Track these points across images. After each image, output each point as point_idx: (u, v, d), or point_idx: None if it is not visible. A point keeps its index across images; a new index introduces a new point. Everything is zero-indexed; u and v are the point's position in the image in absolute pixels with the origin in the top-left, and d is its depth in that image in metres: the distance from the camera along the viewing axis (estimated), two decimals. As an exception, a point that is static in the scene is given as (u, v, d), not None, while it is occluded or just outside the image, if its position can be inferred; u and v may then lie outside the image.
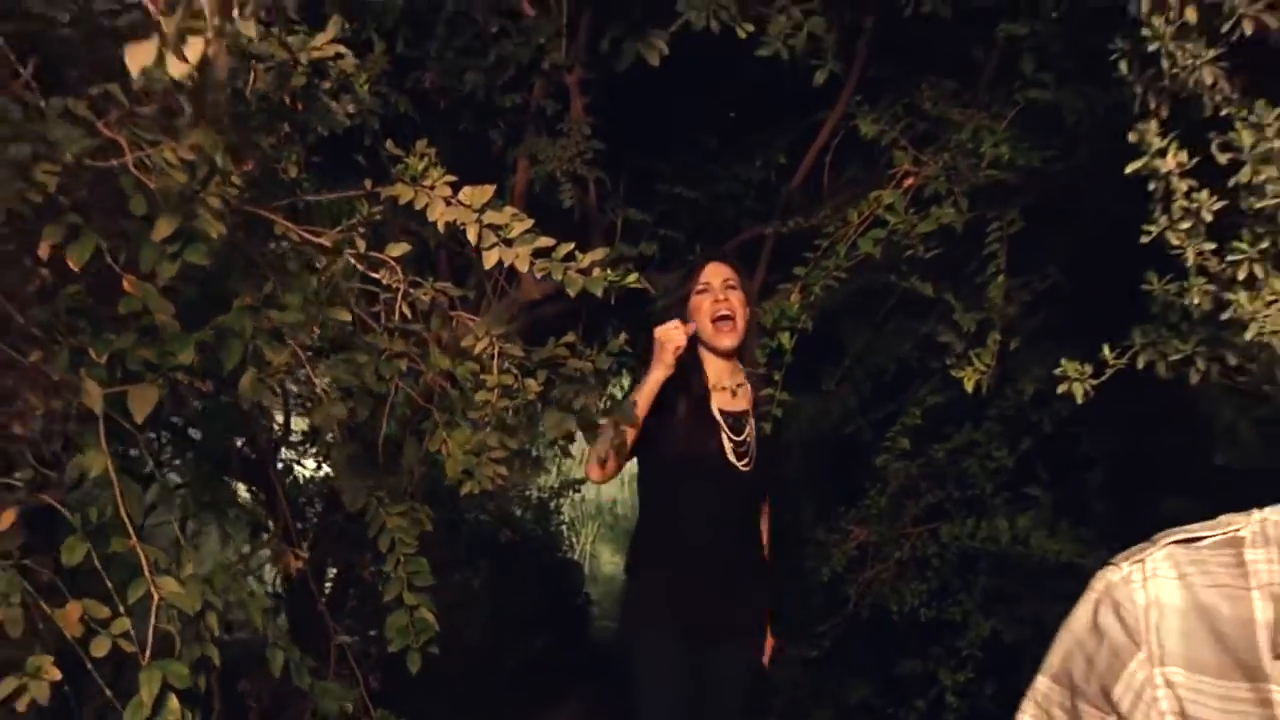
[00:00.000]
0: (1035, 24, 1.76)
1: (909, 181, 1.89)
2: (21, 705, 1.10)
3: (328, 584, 2.95)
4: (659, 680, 2.26)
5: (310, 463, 3.19)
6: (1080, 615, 0.75)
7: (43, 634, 1.26)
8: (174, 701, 1.25)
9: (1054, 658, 0.76)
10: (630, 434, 2.19)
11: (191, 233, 1.22)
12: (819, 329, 2.38)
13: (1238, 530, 0.73)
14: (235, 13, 0.80)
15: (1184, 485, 1.62)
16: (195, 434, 1.93)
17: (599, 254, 1.55)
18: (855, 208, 1.91)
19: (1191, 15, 1.05)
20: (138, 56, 0.76)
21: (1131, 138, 1.02)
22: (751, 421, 2.31)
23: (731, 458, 2.25)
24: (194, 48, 0.75)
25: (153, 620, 1.26)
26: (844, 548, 2.56)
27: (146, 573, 1.27)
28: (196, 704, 1.32)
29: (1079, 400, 1.15)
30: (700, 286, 2.28)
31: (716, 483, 2.26)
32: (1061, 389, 1.16)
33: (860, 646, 2.77)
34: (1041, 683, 0.76)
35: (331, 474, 3.27)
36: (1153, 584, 0.72)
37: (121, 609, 1.28)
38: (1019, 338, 1.72)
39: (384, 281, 1.61)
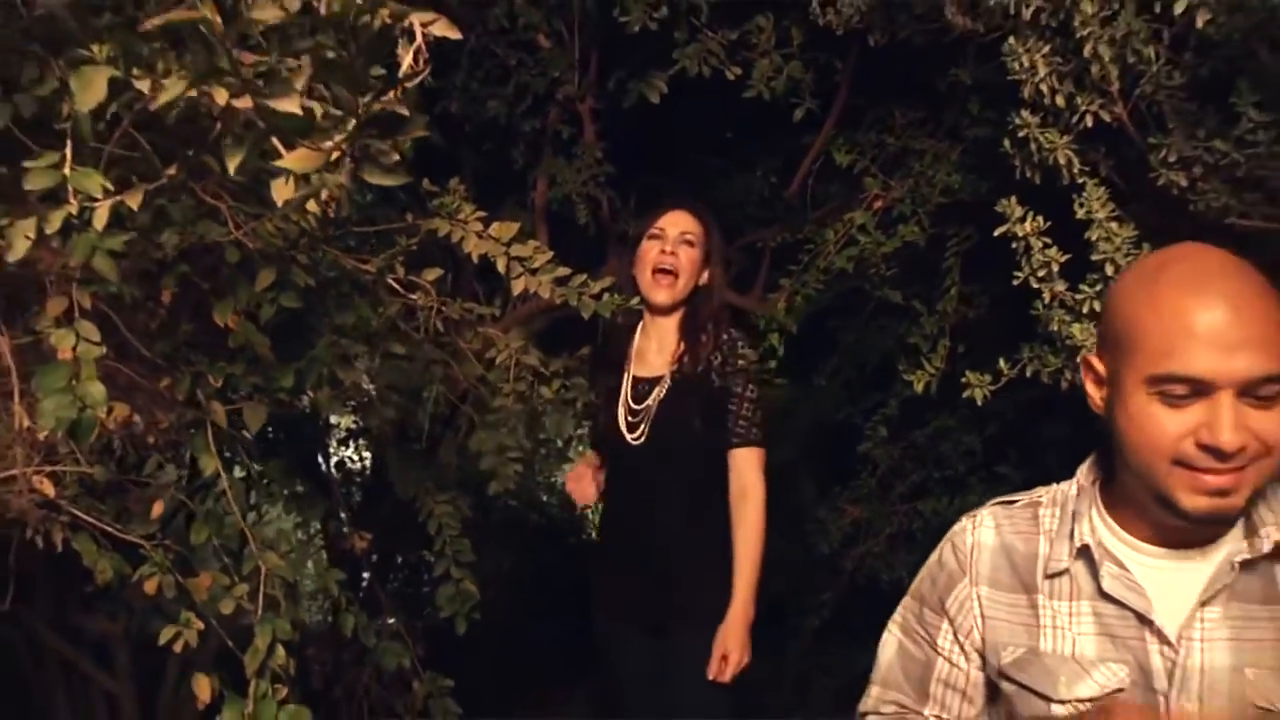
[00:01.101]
0: (981, 69, 2.13)
1: (878, 204, 2.26)
2: (178, 647, 1.52)
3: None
4: (605, 668, 2.27)
5: (354, 456, 3.63)
6: (935, 553, 1.15)
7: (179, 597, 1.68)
8: (281, 650, 1.66)
9: (915, 583, 1.16)
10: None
11: (286, 282, 1.63)
12: (814, 326, 2.76)
13: (1039, 496, 1.12)
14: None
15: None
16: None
17: (607, 281, 1.94)
18: (831, 227, 2.30)
19: (1061, 101, 1.43)
20: (280, 192, 1.15)
21: (998, 208, 1.39)
22: (665, 389, 2.17)
23: (623, 429, 2.18)
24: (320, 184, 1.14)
25: (262, 587, 1.68)
26: (839, 524, 2.95)
27: (255, 549, 1.69)
28: (293, 653, 1.74)
29: (979, 402, 1.53)
30: (653, 231, 2.20)
31: (619, 458, 2.22)
32: (965, 394, 1.54)
33: (857, 616, 3.17)
34: (905, 600, 1.17)
35: (368, 467, 3.72)
36: (978, 531, 1.11)
37: (236, 578, 1.70)
38: (966, 342, 2.09)
39: (420, 302, 2.01)
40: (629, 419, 2.19)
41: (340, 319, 1.73)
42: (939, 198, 2.13)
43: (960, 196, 2.11)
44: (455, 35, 1.20)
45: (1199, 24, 1.15)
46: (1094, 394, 1.04)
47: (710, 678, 2.04)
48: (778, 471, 2.89)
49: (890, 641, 1.17)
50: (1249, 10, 1.04)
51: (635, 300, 2.01)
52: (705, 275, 2.21)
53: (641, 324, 2.26)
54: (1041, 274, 1.35)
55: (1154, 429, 0.94)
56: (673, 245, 2.16)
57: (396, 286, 1.96)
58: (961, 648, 1.10)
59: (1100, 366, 1.03)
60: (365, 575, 3.17)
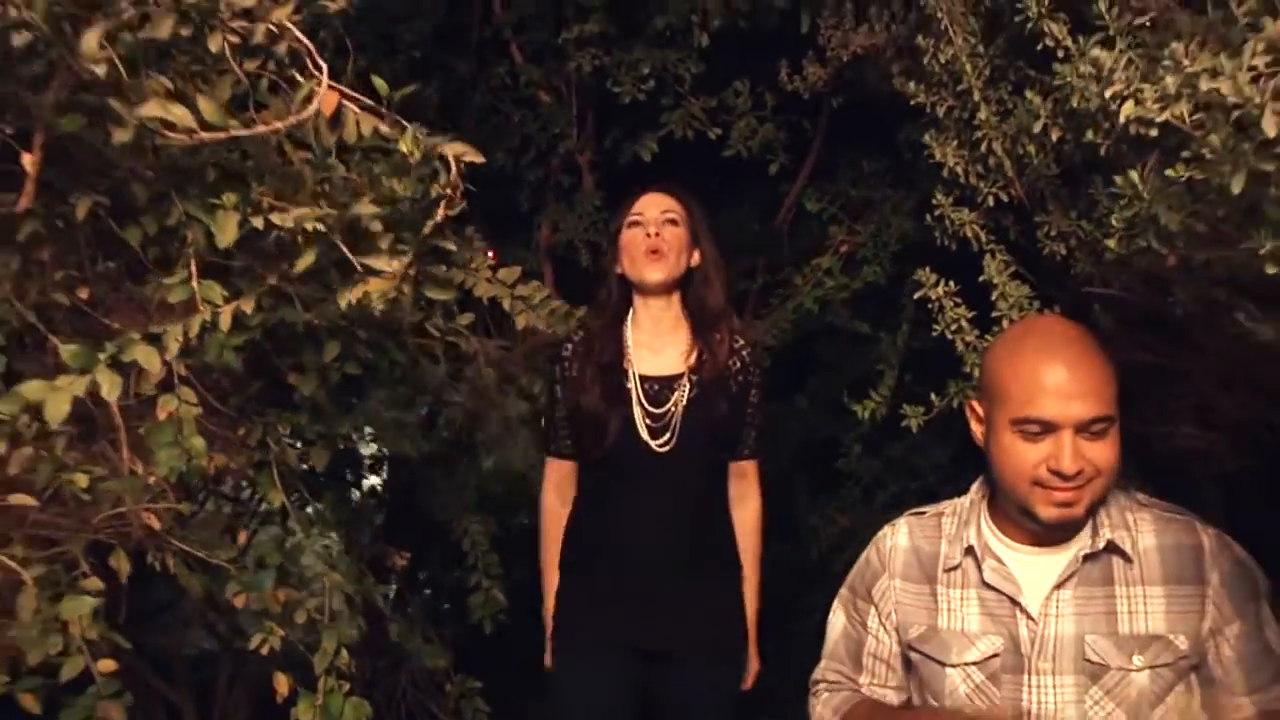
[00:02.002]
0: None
1: (844, 249, 2.64)
2: (265, 650, 1.90)
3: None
4: (576, 708, 2.14)
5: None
6: (864, 553, 1.52)
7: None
8: (345, 654, 2.04)
9: (850, 576, 1.54)
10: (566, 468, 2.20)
11: (349, 354, 2.01)
12: (798, 348, 3.13)
13: (943, 508, 1.49)
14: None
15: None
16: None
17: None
18: (801, 272, 2.68)
19: (971, 181, 1.80)
20: (346, 297, 1.52)
21: (916, 277, 1.77)
22: (688, 387, 2.11)
23: (645, 436, 2.08)
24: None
25: (328, 600, 2.06)
26: (829, 531, 3.32)
27: (321, 568, 2.07)
28: (354, 656, 2.12)
29: (914, 429, 1.91)
30: (633, 218, 2.15)
31: (632, 468, 2.10)
32: (903, 423, 1.92)
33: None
34: (843, 590, 1.55)
35: (382, 489, 4.12)
36: (895, 536, 1.49)
37: (305, 592, 2.08)
38: (918, 372, 2.46)
39: (464, 347, 2.39)
40: (650, 423, 2.08)
41: (394, 373, 2.11)
42: (895, 244, 2.51)
43: (915, 241, 2.48)
44: (479, 159, 1.59)
45: (1053, 138, 1.53)
46: (976, 429, 1.42)
47: (746, 688, 2.16)
48: (771, 482, 3.24)
49: (835, 623, 1.56)
50: (1094, 124, 1.41)
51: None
52: (695, 255, 2.17)
53: (631, 314, 2.19)
54: (954, 328, 1.73)
55: (1017, 459, 1.32)
56: (656, 227, 2.11)
57: (435, 332, 2.35)
58: (884, 627, 1.48)
59: (979, 409, 1.41)
60: (391, 590, 3.56)
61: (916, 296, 1.78)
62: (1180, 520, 1.38)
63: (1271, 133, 0.84)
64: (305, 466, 2.05)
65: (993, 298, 1.72)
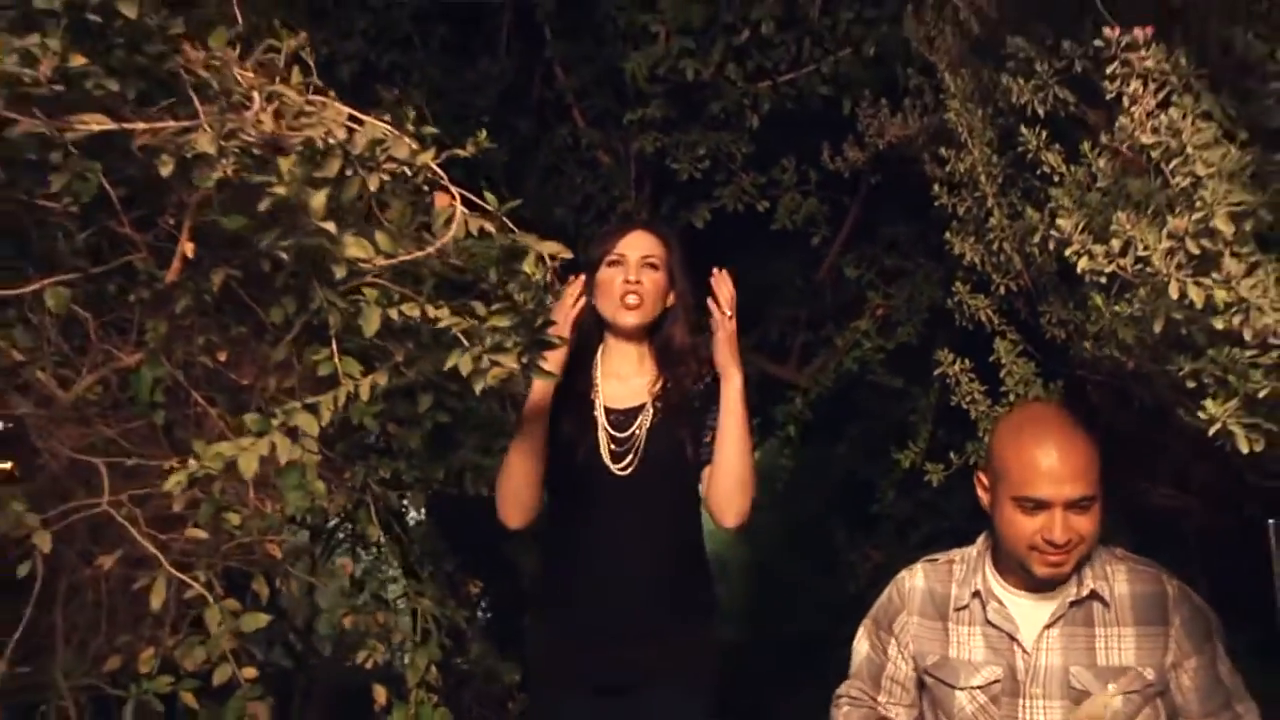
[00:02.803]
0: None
1: (879, 312, 2.98)
2: (369, 664, 2.27)
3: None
4: None
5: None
6: (886, 592, 1.85)
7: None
8: (434, 669, 2.40)
9: (873, 610, 1.87)
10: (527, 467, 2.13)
11: (440, 404, 2.38)
12: (840, 398, 3.46)
13: (953, 556, 1.82)
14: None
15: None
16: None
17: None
18: (840, 335, 3.03)
19: (990, 270, 2.14)
20: (463, 367, 1.90)
21: (936, 357, 2.11)
22: (650, 417, 2.17)
23: (607, 460, 2.14)
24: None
25: (419, 622, 2.43)
26: (865, 567, 3.64)
27: (413, 594, 2.44)
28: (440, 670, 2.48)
29: (934, 484, 2.24)
30: (613, 257, 2.20)
31: (596, 494, 2.16)
32: (926, 478, 2.25)
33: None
34: (867, 621, 1.89)
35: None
36: (913, 579, 1.83)
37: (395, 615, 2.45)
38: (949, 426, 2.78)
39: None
40: (613, 448, 2.15)
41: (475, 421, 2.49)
42: (925, 310, 2.84)
43: (944, 306, 2.81)
44: (568, 255, 1.95)
45: (1050, 246, 1.86)
46: (982, 496, 1.76)
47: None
48: (814, 521, 3.55)
49: (860, 649, 1.89)
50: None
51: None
52: (671, 296, 2.23)
53: (602, 348, 2.26)
54: (969, 399, 2.06)
55: (1016, 527, 1.65)
56: (635, 272, 2.16)
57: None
58: (902, 655, 1.82)
59: (985, 480, 1.74)
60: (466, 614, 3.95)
61: (937, 373, 2.12)
62: (1149, 572, 1.70)
63: (1175, 296, 1.18)
64: (403, 506, 2.43)
65: (1001, 375, 2.06)
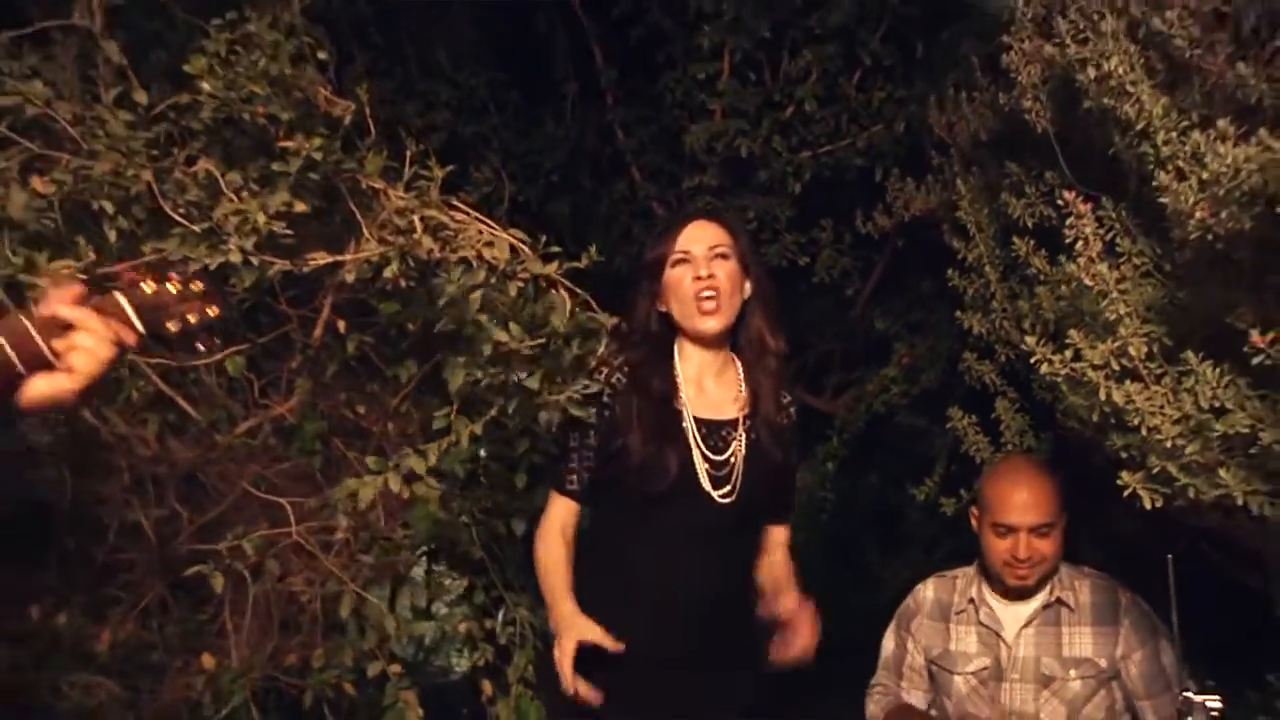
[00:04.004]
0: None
1: (904, 360, 3.61)
2: (481, 663, 2.91)
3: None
4: None
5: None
6: (905, 601, 2.49)
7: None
8: (530, 667, 3.04)
9: (896, 614, 2.50)
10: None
11: (537, 448, 3.02)
12: (871, 432, 4.09)
13: (957, 573, 2.46)
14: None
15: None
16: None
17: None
18: (870, 381, 3.66)
19: (994, 342, 2.77)
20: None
21: (948, 412, 2.74)
22: (744, 435, 2.09)
23: (705, 484, 2.04)
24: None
25: (518, 628, 3.07)
26: (894, 582, 4.26)
27: (510, 605, 3.09)
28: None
29: (948, 514, 2.87)
30: (678, 255, 2.09)
31: (682, 518, 2.04)
32: (941, 509, 2.88)
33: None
34: (892, 623, 2.51)
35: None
36: (925, 590, 2.46)
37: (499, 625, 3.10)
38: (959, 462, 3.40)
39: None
40: (711, 471, 2.06)
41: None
42: (944, 360, 3.46)
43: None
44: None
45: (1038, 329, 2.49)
46: (974, 525, 2.38)
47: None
48: (849, 541, 4.14)
49: (887, 645, 2.51)
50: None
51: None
52: (747, 287, 2.16)
53: (679, 353, 2.17)
54: (975, 448, 2.69)
55: (993, 548, 2.28)
56: (706, 266, 2.07)
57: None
58: (917, 649, 2.44)
59: (975, 512, 2.37)
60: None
61: (948, 426, 2.75)
62: (1107, 584, 2.33)
63: (1103, 397, 1.80)
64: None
65: (1001, 428, 2.69)
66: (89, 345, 1.14)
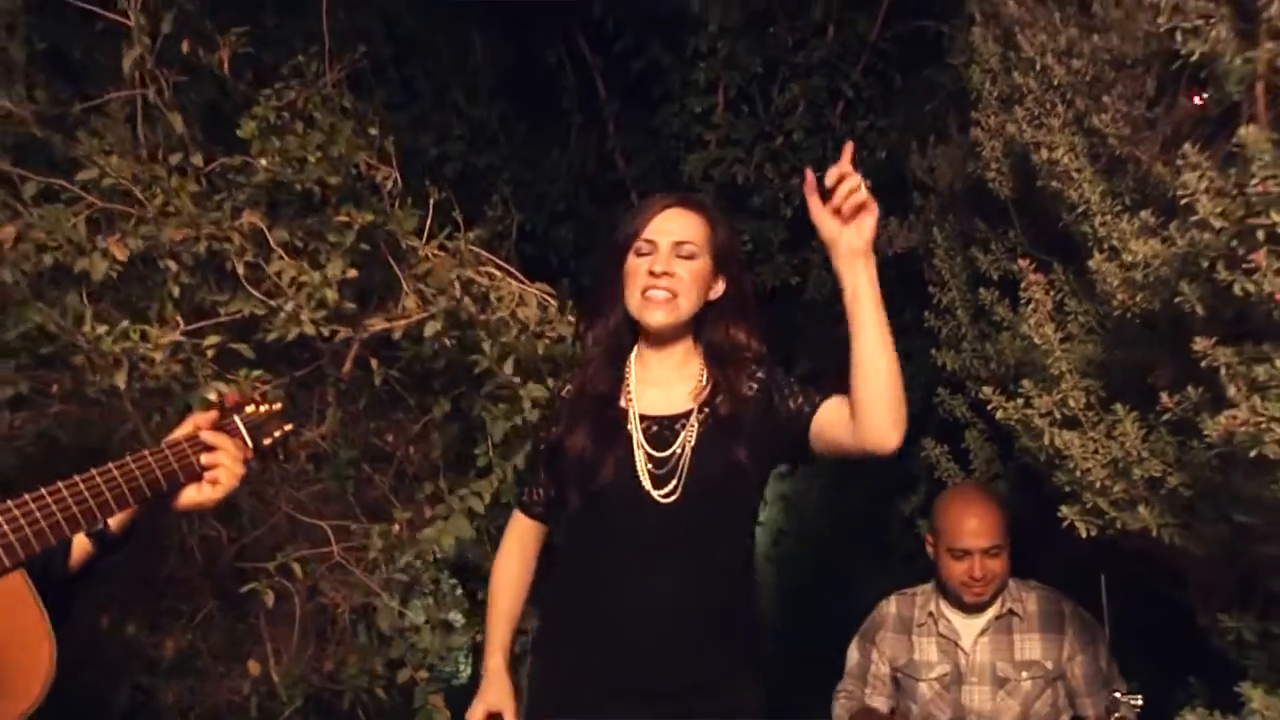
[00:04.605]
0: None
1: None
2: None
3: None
4: None
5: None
6: (870, 614, 2.88)
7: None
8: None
9: (862, 627, 2.88)
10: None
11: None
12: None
13: (918, 590, 2.85)
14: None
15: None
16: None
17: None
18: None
19: (965, 377, 3.15)
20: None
21: (923, 442, 3.11)
22: (697, 426, 1.94)
23: (645, 482, 1.92)
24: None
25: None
26: (877, 589, 4.65)
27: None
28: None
29: (922, 534, 3.25)
30: (639, 245, 1.96)
31: (629, 527, 1.94)
32: (915, 529, 3.26)
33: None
34: (857, 635, 2.89)
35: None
36: (888, 606, 2.84)
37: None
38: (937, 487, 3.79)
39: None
40: (652, 469, 1.93)
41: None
42: (924, 383, 3.84)
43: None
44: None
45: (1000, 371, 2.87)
46: (930, 550, 2.76)
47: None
48: (835, 552, 4.49)
49: (853, 655, 2.88)
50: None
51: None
52: (718, 287, 2.03)
53: (636, 351, 2.07)
54: (947, 474, 3.07)
55: (950, 570, 2.65)
56: (665, 262, 1.94)
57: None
58: (881, 659, 2.82)
59: (931, 539, 2.75)
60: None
61: (922, 456, 3.14)
62: (1052, 595, 2.71)
63: (1048, 442, 2.18)
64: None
65: (970, 456, 3.07)
66: (227, 464, 1.52)
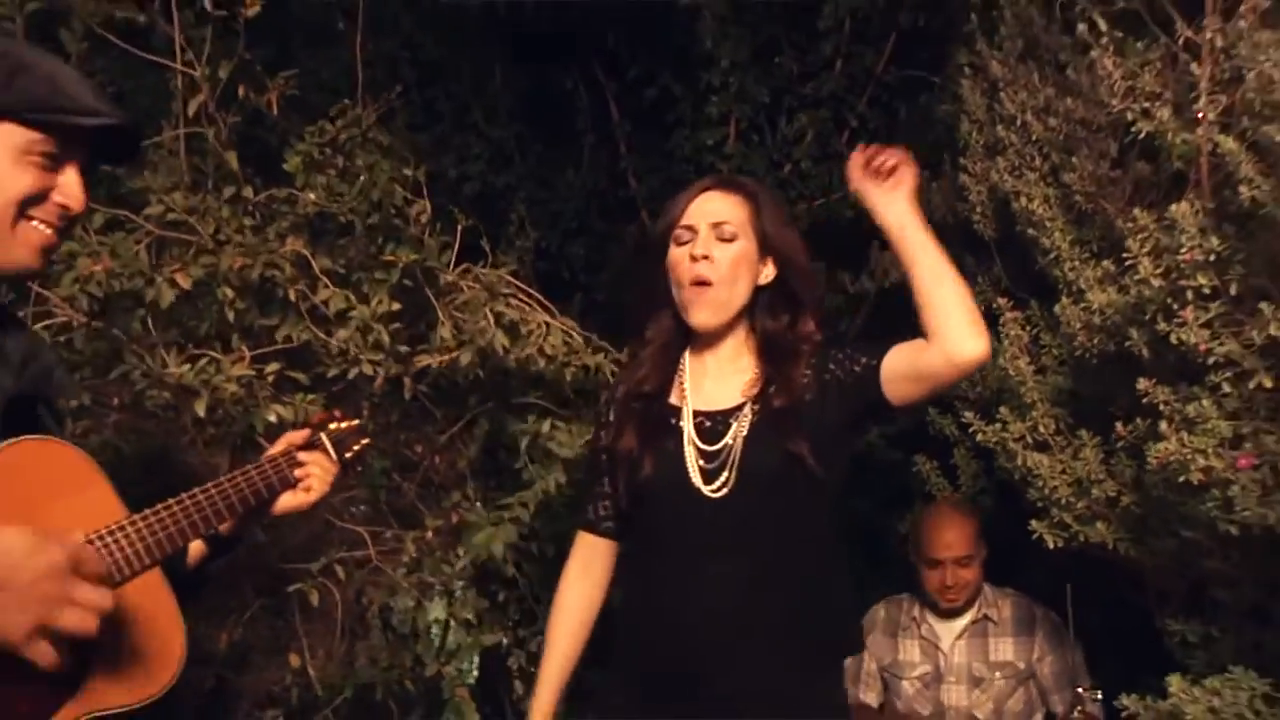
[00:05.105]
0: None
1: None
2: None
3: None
4: None
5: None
6: (861, 621, 3.22)
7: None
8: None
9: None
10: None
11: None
12: (857, 461, 4.82)
13: (904, 597, 3.19)
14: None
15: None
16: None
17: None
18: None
19: (956, 402, 3.49)
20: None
21: (915, 461, 3.44)
22: (751, 416, 1.89)
23: (695, 477, 1.89)
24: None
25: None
26: (880, 596, 4.99)
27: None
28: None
29: (915, 543, 3.59)
30: (678, 232, 1.93)
31: (681, 525, 1.91)
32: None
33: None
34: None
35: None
36: (878, 611, 3.17)
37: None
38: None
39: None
40: (703, 463, 1.89)
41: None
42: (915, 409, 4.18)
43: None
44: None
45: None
46: (914, 561, 3.10)
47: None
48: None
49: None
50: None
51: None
52: (767, 270, 1.96)
53: (689, 350, 2.03)
54: (937, 489, 3.41)
55: (928, 579, 2.98)
56: (704, 246, 1.89)
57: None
58: (871, 659, 3.15)
59: (912, 551, 3.09)
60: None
61: (915, 469, 3.47)
62: (1024, 602, 3.04)
63: (1019, 463, 2.51)
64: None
65: (958, 472, 3.41)
66: (318, 474, 1.84)
